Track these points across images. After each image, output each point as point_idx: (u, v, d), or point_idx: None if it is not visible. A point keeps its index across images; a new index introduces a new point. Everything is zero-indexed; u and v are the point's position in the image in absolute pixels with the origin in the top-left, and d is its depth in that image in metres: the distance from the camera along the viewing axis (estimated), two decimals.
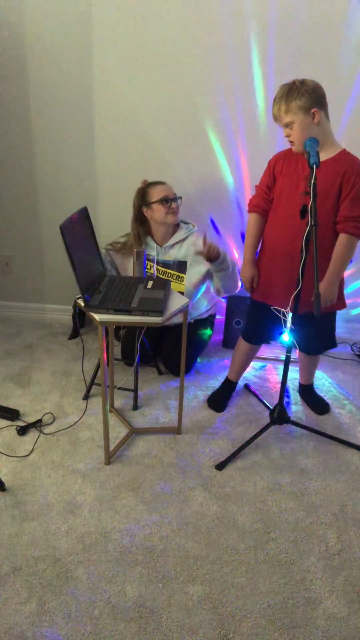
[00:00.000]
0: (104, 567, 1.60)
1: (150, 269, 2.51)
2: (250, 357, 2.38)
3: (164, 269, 2.50)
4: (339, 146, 1.90)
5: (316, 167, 1.65)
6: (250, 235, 2.13)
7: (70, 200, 2.81)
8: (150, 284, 2.02)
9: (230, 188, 2.74)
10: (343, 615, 1.48)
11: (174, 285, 2.47)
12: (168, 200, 2.35)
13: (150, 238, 2.48)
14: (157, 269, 2.50)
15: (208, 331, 2.73)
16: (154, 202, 2.35)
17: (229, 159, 2.67)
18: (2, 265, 3.11)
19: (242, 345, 2.34)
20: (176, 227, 2.48)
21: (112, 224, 2.52)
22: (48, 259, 3.07)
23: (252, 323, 2.30)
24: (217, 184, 2.74)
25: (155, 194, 2.36)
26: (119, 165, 2.75)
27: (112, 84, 2.58)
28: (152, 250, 2.48)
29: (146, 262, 2.49)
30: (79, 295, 1.82)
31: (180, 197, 2.40)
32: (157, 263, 2.49)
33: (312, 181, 1.64)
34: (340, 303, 2.10)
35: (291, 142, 1.86)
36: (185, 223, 2.50)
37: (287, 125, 1.82)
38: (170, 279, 2.48)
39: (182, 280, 2.47)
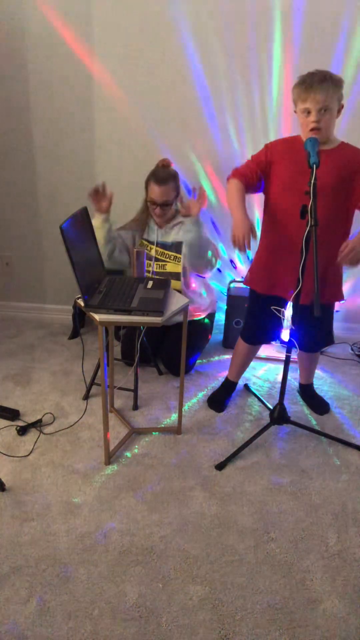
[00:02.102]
0: (104, 567, 1.60)
1: (150, 251, 2.53)
2: (250, 357, 2.38)
3: (162, 250, 2.52)
4: (338, 139, 1.92)
5: (316, 167, 1.65)
6: (236, 199, 1.92)
7: (70, 201, 2.82)
8: (150, 284, 2.02)
9: None
10: (343, 615, 1.48)
11: (171, 267, 2.50)
12: (154, 203, 2.39)
13: (153, 221, 2.52)
14: (156, 250, 2.52)
15: (206, 320, 2.72)
16: (146, 196, 2.42)
17: (229, 160, 2.67)
18: (2, 265, 3.11)
19: (241, 345, 2.34)
20: (176, 211, 2.50)
21: (112, 224, 2.52)
22: (48, 259, 3.07)
23: (251, 323, 2.29)
24: (217, 184, 2.74)
25: (150, 191, 2.39)
26: (119, 165, 2.75)
27: (112, 84, 2.59)
28: (153, 231, 2.52)
29: (147, 244, 2.54)
30: (79, 295, 1.82)
31: (170, 204, 2.40)
32: (157, 245, 2.51)
33: (312, 181, 1.64)
34: (340, 294, 2.10)
35: (318, 128, 1.79)
36: None
37: (325, 109, 1.76)
38: (167, 259, 2.51)
39: (179, 261, 2.49)
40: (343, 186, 1.86)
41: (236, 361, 2.39)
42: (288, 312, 1.99)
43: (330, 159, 1.80)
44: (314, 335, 2.19)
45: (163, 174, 2.38)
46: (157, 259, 2.52)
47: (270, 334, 2.26)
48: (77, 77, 2.59)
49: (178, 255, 2.49)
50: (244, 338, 2.32)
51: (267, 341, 2.44)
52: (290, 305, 1.92)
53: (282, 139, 2.00)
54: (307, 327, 2.04)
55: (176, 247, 2.49)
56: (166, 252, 2.51)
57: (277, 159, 1.94)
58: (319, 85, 1.74)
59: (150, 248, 2.53)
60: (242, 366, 2.41)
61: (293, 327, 1.91)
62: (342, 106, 1.82)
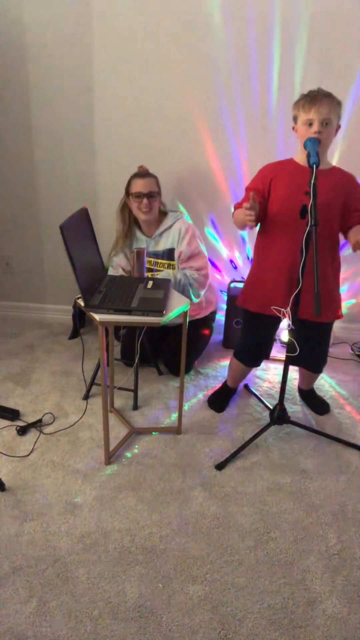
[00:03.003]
0: (104, 567, 1.60)
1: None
2: (245, 374, 2.35)
3: (155, 260, 2.49)
4: (331, 162, 1.95)
5: (316, 167, 1.65)
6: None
7: (70, 200, 2.82)
8: (150, 284, 2.02)
9: (230, 188, 2.74)
10: (343, 615, 1.48)
11: (167, 274, 2.48)
12: (140, 196, 2.34)
13: (139, 231, 2.49)
14: (149, 261, 2.49)
15: (206, 320, 2.71)
16: (130, 194, 2.37)
17: (229, 160, 2.67)
18: (2, 265, 3.11)
19: (235, 364, 2.29)
20: (163, 215, 2.47)
21: (112, 224, 2.52)
22: (48, 259, 3.07)
23: (246, 343, 2.23)
24: (217, 184, 2.74)
25: (134, 186, 2.35)
26: (118, 166, 2.75)
27: (112, 84, 2.59)
28: (142, 242, 2.49)
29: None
30: (79, 295, 1.82)
31: (154, 196, 2.35)
32: (148, 255, 2.48)
33: (312, 181, 1.64)
34: (339, 313, 2.10)
35: (318, 139, 1.79)
36: (173, 211, 2.50)
37: (326, 123, 1.78)
38: (161, 268, 2.48)
39: (174, 267, 2.47)
40: (334, 207, 1.87)
41: (232, 374, 2.38)
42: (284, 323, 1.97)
43: (324, 178, 1.79)
44: (316, 353, 2.17)
45: (142, 172, 2.38)
46: (148, 269, 2.48)
47: (264, 353, 2.25)
48: (78, 77, 2.59)
49: (172, 262, 2.47)
50: (238, 358, 2.27)
51: (260, 362, 2.31)
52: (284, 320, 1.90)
53: (276, 162, 2.00)
54: (308, 344, 2.03)
55: (168, 254, 2.47)
56: (159, 260, 2.49)
57: (273, 177, 1.93)
58: (323, 99, 1.77)
59: None
60: (239, 379, 2.39)
61: (294, 328, 1.91)
62: (339, 127, 1.85)
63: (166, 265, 2.47)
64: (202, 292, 2.47)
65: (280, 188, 1.91)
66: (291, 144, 2.04)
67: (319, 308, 1.53)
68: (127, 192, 2.39)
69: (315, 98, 1.78)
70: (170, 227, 2.44)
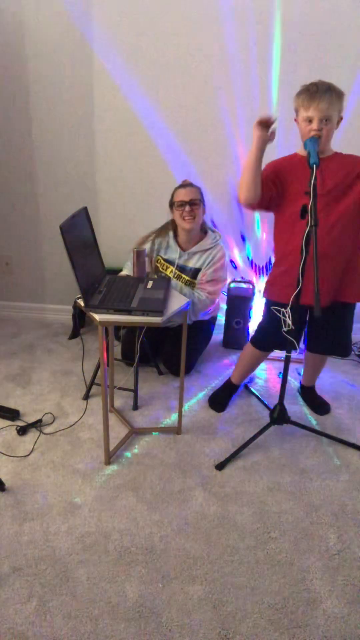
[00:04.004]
0: (104, 567, 1.60)
1: (167, 271, 2.51)
2: (258, 363, 2.36)
3: (179, 273, 2.50)
4: (332, 150, 1.93)
5: (316, 167, 1.65)
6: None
7: (70, 200, 2.82)
8: (150, 284, 2.02)
9: (231, 188, 2.74)
10: (343, 615, 1.48)
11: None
12: (183, 204, 2.35)
13: (174, 241, 2.49)
14: (174, 272, 2.50)
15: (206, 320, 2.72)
16: (173, 204, 2.39)
17: (230, 160, 2.67)
18: (2, 265, 3.11)
19: (251, 351, 2.29)
20: (204, 234, 2.48)
21: (112, 224, 2.52)
22: (48, 259, 3.07)
23: (266, 330, 2.21)
24: (217, 184, 2.74)
25: (176, 196, 2.37)
26: (119, 166, 2.75)
27: (112, 84, 2.59)
28: (174, 253, 2.49)
29: (163, 263, 2.51)
30: (79, 295, 1.82)
31: (197, 204, 2.35)
32: (177, 267, 2.49)
33: (312, 181, 1.64)
34: None
35: (319, 136, 1.79)
36: (213, 231, 2.51)
37: (326, 119, 1.77)
38: (182, 283, 2.50)
39: (193, 287, 2.49)
40: (346, 189, 1.87)
41: (243, 366, 2.37)
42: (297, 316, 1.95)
43: (329, 164, 1.81)
44: (331, 335, 2.16)
45: (186, 183, 2.40)
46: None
47: (282, 340, 2.24)
48: (78, 76, 2.59)
49: (193, 281, 2.48)
50: (256, 345, 2.27)
51: (280, 347, 2.28)
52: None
53: (280, 158, 1.99)
54: (328, 329, 2.05)
55: (194, 272, 2.48)
56: (183, 275, 2.50)
57: (282, 169, 1.92)
58: (323, 95, 1.75)
59: (167, 267, 2.51)
60: (248, 371, 2.39)
61: (293, 328, 1.90)
62: (341, 118, 1.84)
63: (187, 283, 2.49)
64: (200, 316, 2.50)
65: (294, 181, 1.90)
66: (292, 140, 2.03)
67: (319, 308, 1.53)
68: (171, 204, 2.40)
69: (315, 95, 1.76)
70: (206, 250, 2.45)
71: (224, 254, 2.46)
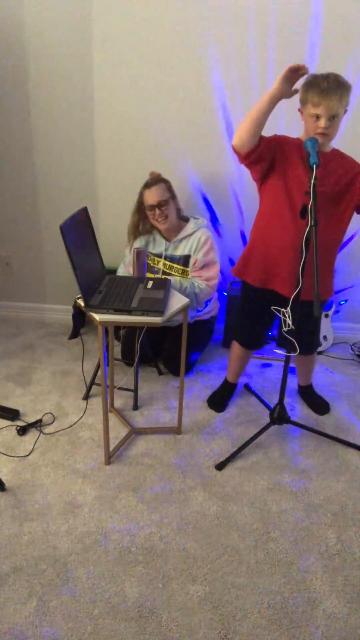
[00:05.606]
0: (104, 567, 1.60)
1: (158, 265, 2.51)
2: (246, 359, 2.36)
3: (170, 264, 2.50)
4: (331, 145, 1.91)
5: (316, 167, 1.65)
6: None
7: (70, 200, 2.82)
8: (150, 284, 2.02)
9: (230, 188, 2.74)
10: (343, 615, 1.48)
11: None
12: (152, 208, 2.35)
13: (159, 234, 2.49)
14: (164, 264, 2.50)
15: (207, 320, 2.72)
16: (145, 207, 2.37)
17: (229, 159, 2.67)
18: (2, 265, 3.11)
19: (237, 349, 2.30)
20: (184, 221, 2.48)
21: (112, 224, 2.52)
22: (48, 259, 3.07)
23: (245, 324, 2.23)
24: (217, 185, 2.74)
25: (146, 198, 2.35)
26: (119, 165, 2.75)
27: (112, 84, 2.59)
28: (161, 246, 2.49)
29: (154, 258, 2.51)
30: (79, 295, 1.82)
31: (166, 203, 2.33)
32: (165, 258, 2.49)
33: (312, 181, 1.63)
34: (331, 290, 2.08)
35: (325, 134, 1.76)
36: (196, 218, 2.50)
37: (334, 117, 1.73)
38: (175, 273, 2.49)
39: (187, 274, 2.48)
40: (340, 189, 1.86)
41: (233, 364, 2.38)
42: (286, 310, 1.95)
43: (327, 161, 1.80)
44: (307, 335, 2.15)
45: (151, 180, 2.38)
46: (164, 272, 2.50)
47: (263, 334, 2.23)
48: (78, 77, 2.59)
49: (186, 269, 2.48)
50: (239, 342, 2.27)
51: (261, 343, 2.29)
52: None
53: (290, 138, 1.93)
54: (302, 327, 2.00)
55: (184, 260, 2.48)
56: (174, 265, 2.49)
57: (283, 145, 1.88)
58: (334, 93, 1.69)
59: (158, 261, 2.51)
60: (239, 368, 2.39)
61: (293, 328, 1.90)
62: (346, 111, 1.79)
63: (180, 271, 2.48)
64: (205, 303, 2.50)
65: (287, 160, 1.86)
66: (292, 135, 2.02)
67: (319, 308, 1.53)
68: (140, 205, 2.39)
69: (326, 93, 1.68)
70: (190, 234, 2.45)
71: (209, 236, 2.44)
